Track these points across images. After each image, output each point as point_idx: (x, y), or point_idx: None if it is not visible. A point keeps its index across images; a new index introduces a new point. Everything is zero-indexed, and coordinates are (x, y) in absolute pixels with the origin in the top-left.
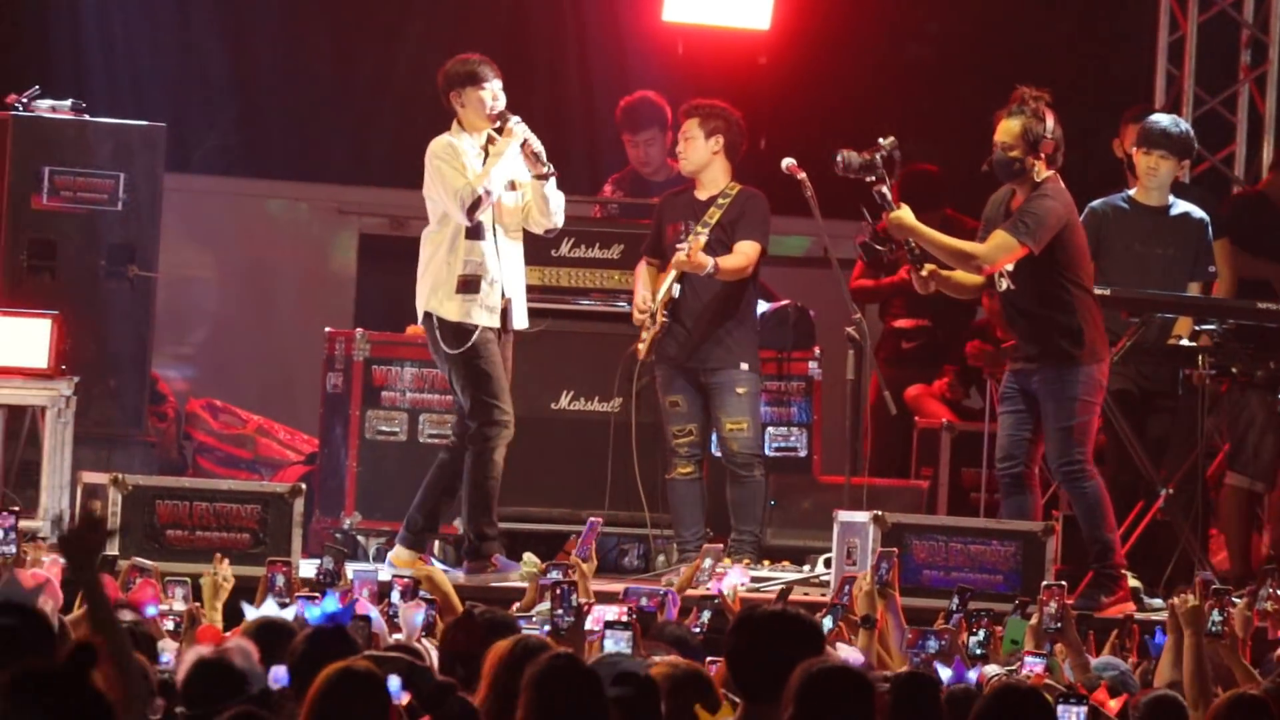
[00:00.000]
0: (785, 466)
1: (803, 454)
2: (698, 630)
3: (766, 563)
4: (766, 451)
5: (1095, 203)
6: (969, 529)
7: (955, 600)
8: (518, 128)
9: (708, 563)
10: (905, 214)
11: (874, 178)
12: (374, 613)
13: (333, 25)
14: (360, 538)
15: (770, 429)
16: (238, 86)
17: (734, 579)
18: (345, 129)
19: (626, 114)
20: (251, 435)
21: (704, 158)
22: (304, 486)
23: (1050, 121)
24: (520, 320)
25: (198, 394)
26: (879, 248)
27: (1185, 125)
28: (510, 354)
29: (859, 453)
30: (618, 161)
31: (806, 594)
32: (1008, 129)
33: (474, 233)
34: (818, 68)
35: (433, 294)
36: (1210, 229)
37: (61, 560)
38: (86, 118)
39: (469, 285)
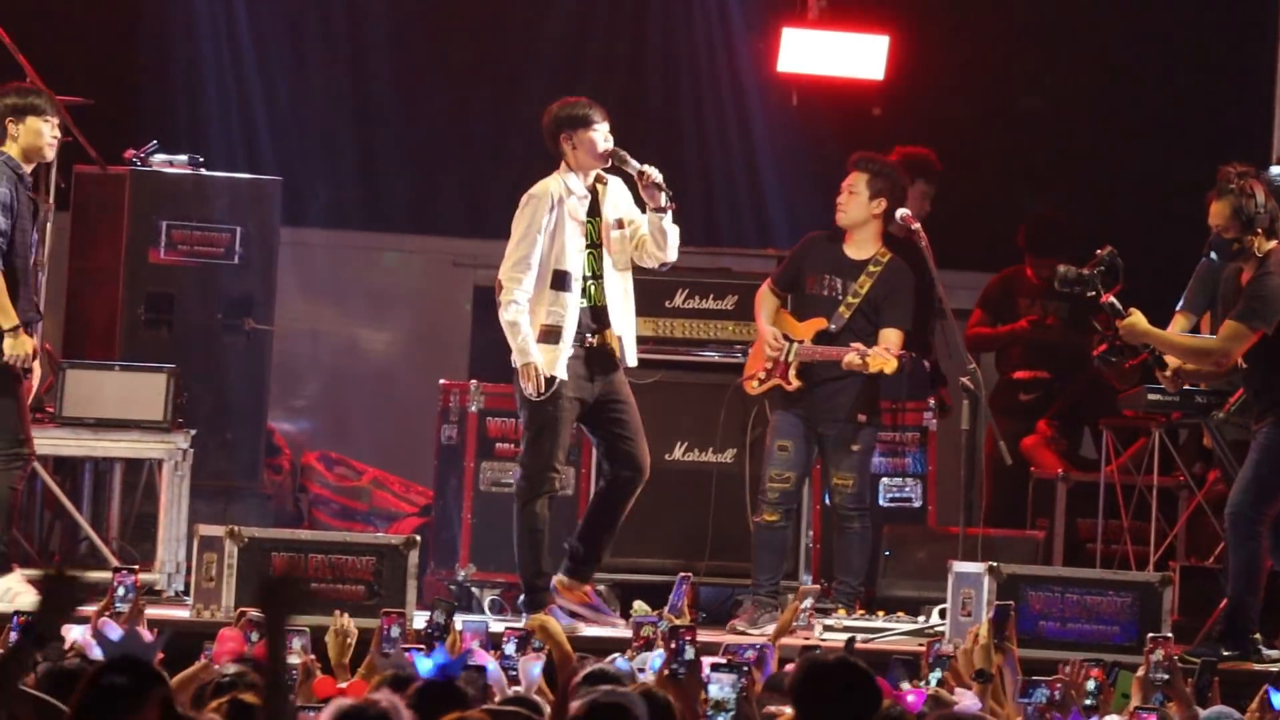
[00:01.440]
0: (900, 517)
1: (917, 504)
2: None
3: (881, 613)
4: (881, 502)
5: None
6: (1085, 580)
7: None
8: (630, 164)
9: (807, 603)
10: (1138, 320)
11: (1092, 293)
12: (491, 663)
13: (449, 77)
14: (475, 589)
15: (885, 479)
16: (353, 139)
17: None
18: (460, 181)
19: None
20: (366, 487)
21: (864, 216)
22: (419, 538)
23: (1260, 195)
24: (630, 358)
25: (313, 446)
26: (1114, 359)
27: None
28: (627, 392)
29: (974, 503)
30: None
31: (921, 645)
32: (1219, 211)
33: (558, 282)
34: (932, 118)
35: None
36: None
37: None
38: (203, 172)
39: (550, 335)
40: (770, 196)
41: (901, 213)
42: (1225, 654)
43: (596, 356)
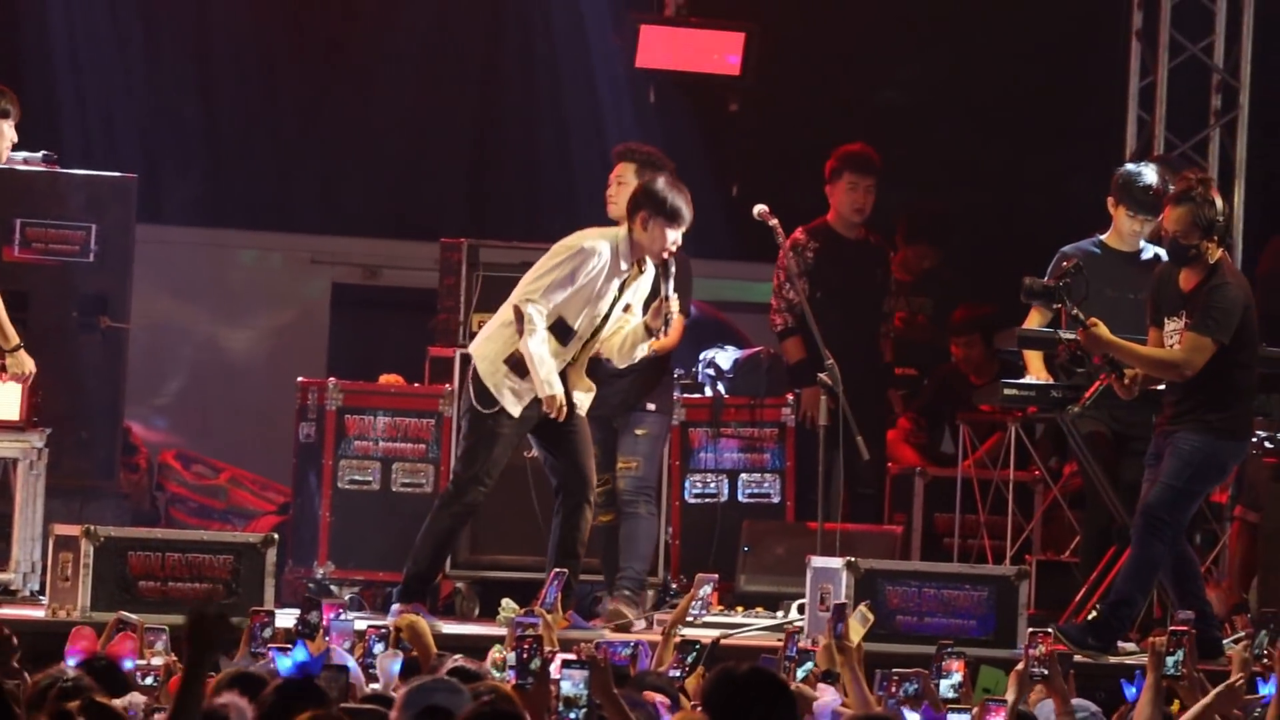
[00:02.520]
0: (758, 512)
1: (776, 500)
2: (679, 675)
3: (740, 609)
4: (740, 498)
5: (1067, 248)
6: (942, 574)
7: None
8: (667, 285)
9: (704, 590)
10: (1102, 330)
11: (1058, 304)
12: (351, 662)
13: (304, 75)
14: (333, 587)
15: (744, 475)
16: (210, 137)
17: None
18: (318, 179)
19: (859, 155)
20: (224, 486)
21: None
22: (277, 536)
23: (1219, 202)
24: (582, 408)
25: (170, 445)
26: (1078, 370)
27: (1166, 179)
28: (586, 429)
29: (833, 499)
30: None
31: (780, 640)
32: (1179, 218)
33: (558, 331)
34: (790, 113)
35: (496, 353)
36: None
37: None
38: (58, 169)
39: (519, 369)
40: None
41: (759, 209)
42: (1091, 643)
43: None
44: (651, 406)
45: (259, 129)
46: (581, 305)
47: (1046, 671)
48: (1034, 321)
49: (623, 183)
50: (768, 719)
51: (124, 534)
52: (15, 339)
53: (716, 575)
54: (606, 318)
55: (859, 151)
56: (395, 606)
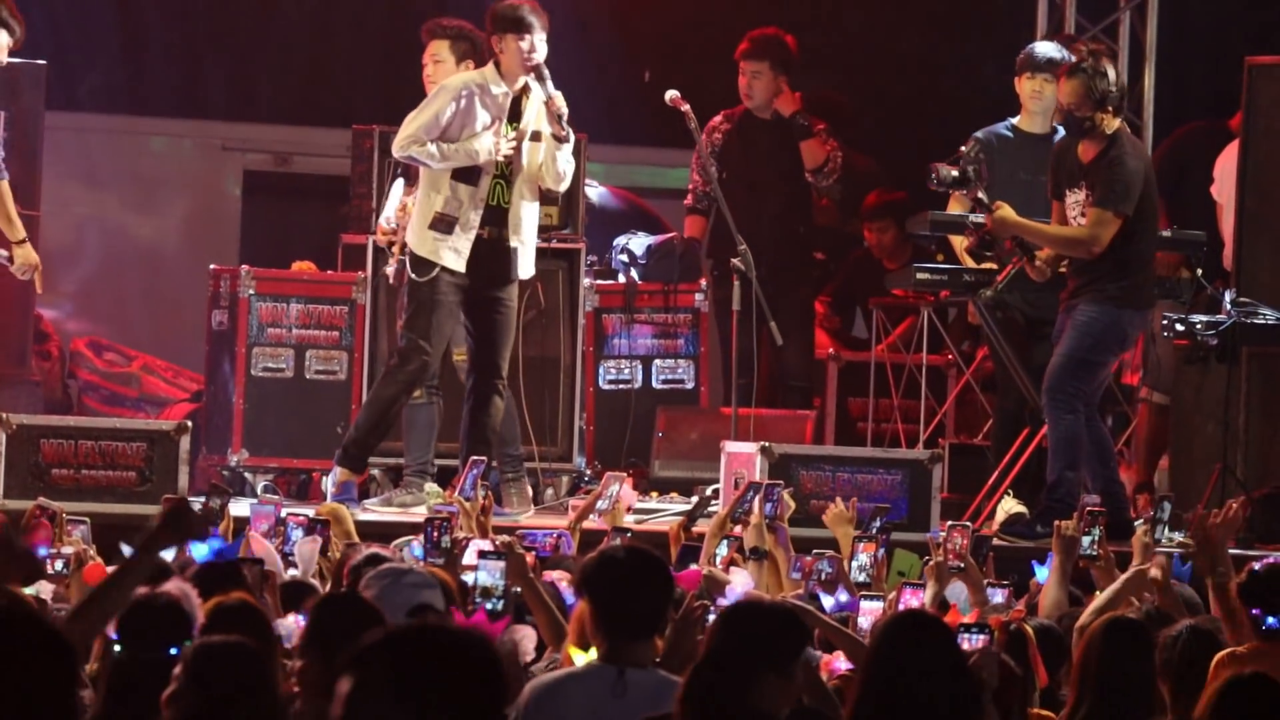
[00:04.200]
0: (672, 399)
1: (690, 386)
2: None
3: (654, 494)
4: (654, 384)
5: (979, 132)
6: (855, 458)
7: (875, 523)
8: (546, 86)
9: (614, 489)
10: (1007, 212)
11: (966, 189)
12: (268, 546)
13: None
14: (247, 474)
15: (658, 361)
16: (120, 23)
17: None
18: (228, 65)
19: (746, 42)
20: (137, 373)
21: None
22: (190, 424)
23: (1112, 72)
24: (525, 270)
25: (82, 333)
26: (988, 254)
27: (1066, 51)
28: (511, 300)
29: (746, 384)
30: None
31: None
32: (1072, 90)
33: (463, 175)
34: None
35: (419, 222)
36: None
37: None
38: None
39: (442, 224)
40: None
41: (670, 94)
42: (1040, 532)
43: (489, 254)
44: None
45: (170, 14)
46: (469, 138)
47: (963, 565)
48: (954, 208)
49: (439, 61)
50: (650, 599)
51: (36, 421)
52: (22, 231)
53: (627, 474)
54: (518, 152)
55: (750, 37)
56: (335, 470)
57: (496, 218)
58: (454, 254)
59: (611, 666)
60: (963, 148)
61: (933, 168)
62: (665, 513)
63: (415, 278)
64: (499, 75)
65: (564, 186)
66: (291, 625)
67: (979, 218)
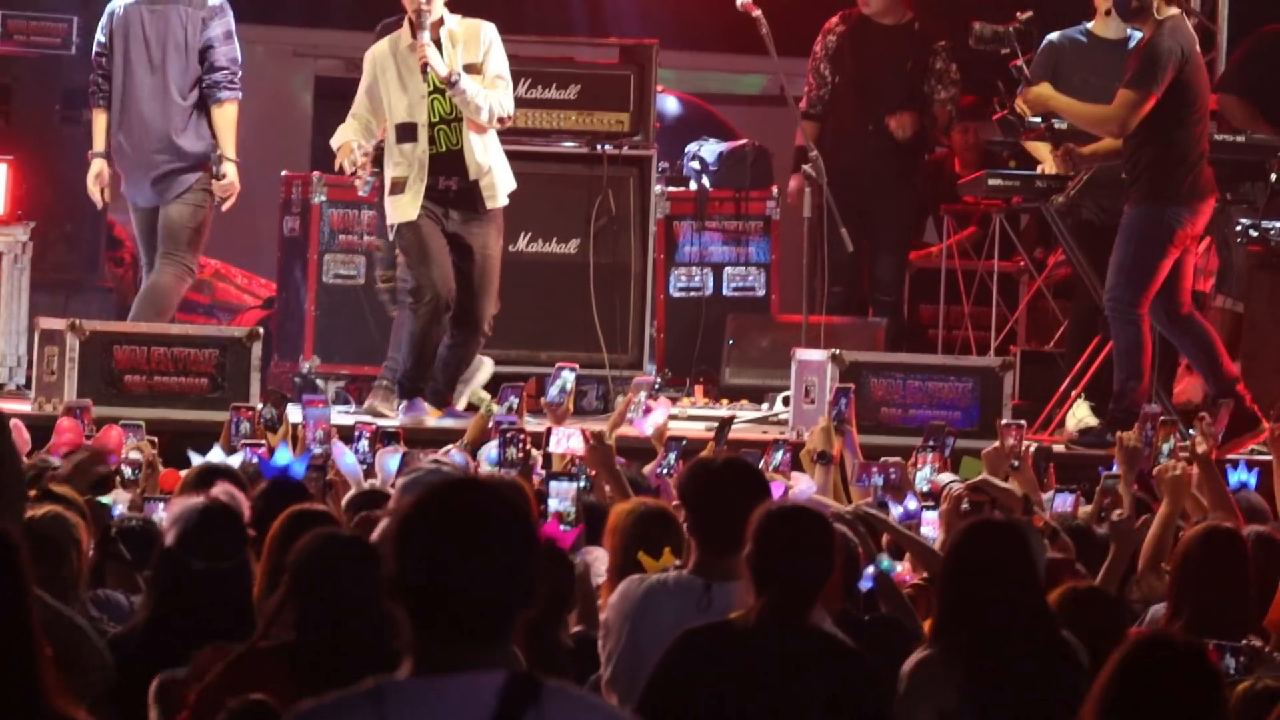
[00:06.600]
0: (743, 306)
1: (761, 293)
2: (663, 470)
3: (725, 401)
4: (725, 291)
5: (1053, 35)
6: (926, 366)
7: (932, 441)
8: (423, 33)
9: (641, 396)
10: (1044, 88)
11: (1007, 50)
12: (349, 456)
13: None
14: (319, 381)
15: (729, 269)
16: None
17: (656, 417)
18: None
19: None
20: (209, 280)
21: None
22: (261, 331)
23: None
24: (499, 198)
25: None
26: (1010, 127)
27: None
28: (484, 243)
29: (817, 291)
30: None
31: (765, 432)
32: None
33: (401, 135)
34: None
35: (384, 195)
36: None
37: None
38: None
39: (397, 187)
40: None
41: (741, 0)
42: (1109, 440)
43: (453, 199)
44: None
45: None
46: (396, 101)
47: (1017, 464)
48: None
49: None
50: (745, 509)
51: (109, 328)
52: (232, 153)
53: (653, 378)
54: (442, 95)
55: None
56: (401, 404)
57: (453, 163)
58: (412, 205)
59: (700, 580)
60: (1018, 14)
61: (973, 24)
62: (735, 420)
63: (390, 231)
64: (411, 28)
65: (482, 120)
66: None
67: (1040, 122)
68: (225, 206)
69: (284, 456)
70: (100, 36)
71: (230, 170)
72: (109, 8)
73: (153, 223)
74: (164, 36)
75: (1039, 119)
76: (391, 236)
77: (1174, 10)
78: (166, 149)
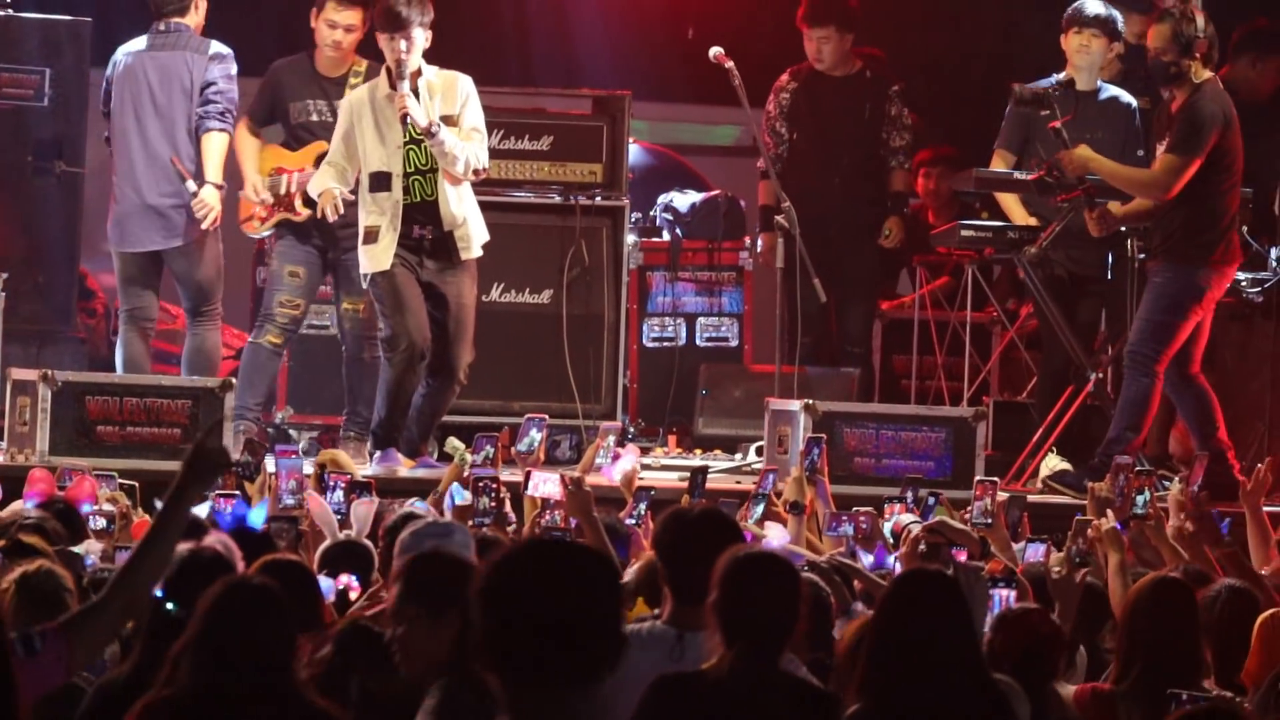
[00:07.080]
0: (716, 356)
1: (734, 343)
2: (633, 520)
3: (698, 451)
4: (698, 341)
5: (1023, 87)
6: (899, 416)
7: (909, 493)
8: (402, 84)
9: (610, 441)
10: (1084, 150)
11: (1046, 111)
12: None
13: None
14: (292, 431)
15: (701, 319)
16: None
17: (625, 464)
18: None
19: (808, 7)
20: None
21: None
22: (234, 381)
23: (1200, 21)
24: (473, 249)
25: None
26: (1054, 185)
27: (1113, 9)
28: (459, 290)
29: (790, 342)
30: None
31: (739, 482)
32: (1159, 34)
33: (375, 184)
34: None
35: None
36: (1139, 114)
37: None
38: (11, 13)
39: (370, 236)
40: (580, 37)
41: (714, 51)
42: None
43: (428, 248)
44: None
45: None
46: (373, 151)
47: (990, 522)
48: (1000, 164)
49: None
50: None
51: (82, 378)
52: (218, 177)
53: (620, 425)
54: (418, 145)
55: (810, 2)
56: (375, 453)
57: (428, 213)
58: (385, 254)
59: (673, 630)
60: (1057, 76)
61: (1012, 85)
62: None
63: (367, 280)
64: (389, 78)
65: (459, 170)
66: (330, 585)
67: (1023, 175)
68: (205, 226)
69: (258, 517)
70: (106, 87)
71: (210, 194)
72: (112, 58)
73: (149, 265)
74: (169, 81)
75: (1077, 180)
76: (365, 285)
77: (1209, 74)
78: (174, 192)
